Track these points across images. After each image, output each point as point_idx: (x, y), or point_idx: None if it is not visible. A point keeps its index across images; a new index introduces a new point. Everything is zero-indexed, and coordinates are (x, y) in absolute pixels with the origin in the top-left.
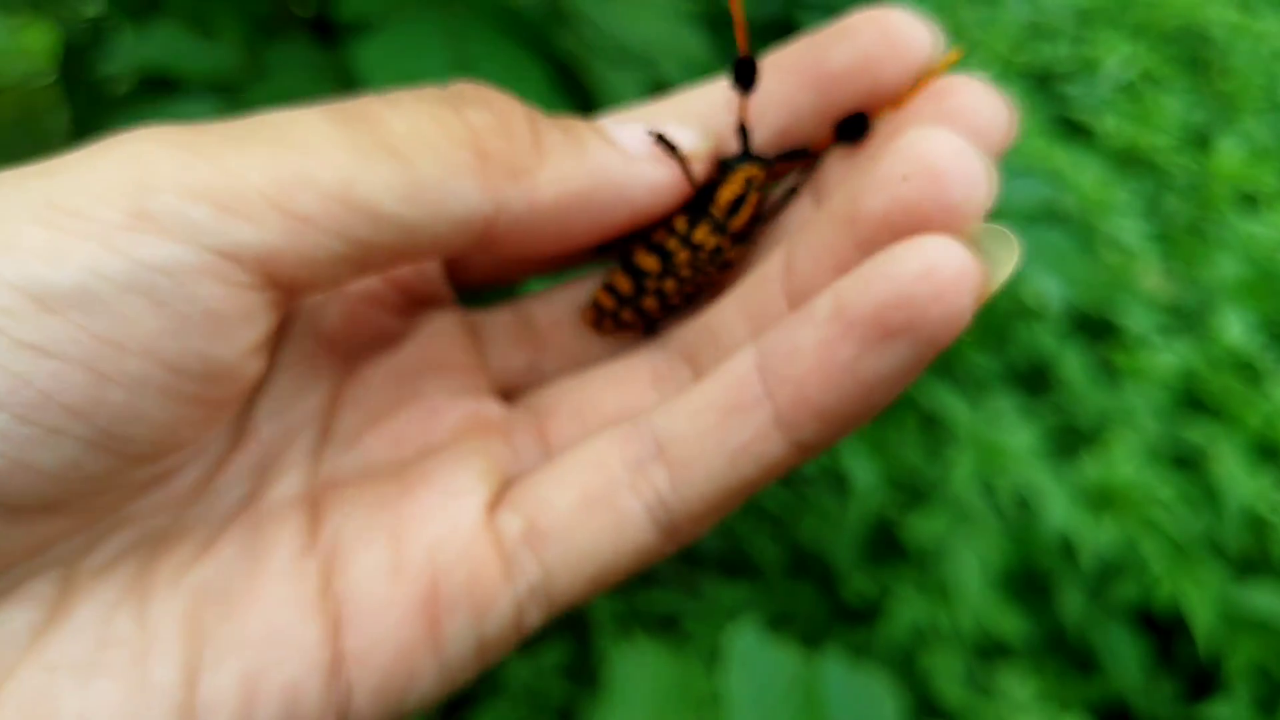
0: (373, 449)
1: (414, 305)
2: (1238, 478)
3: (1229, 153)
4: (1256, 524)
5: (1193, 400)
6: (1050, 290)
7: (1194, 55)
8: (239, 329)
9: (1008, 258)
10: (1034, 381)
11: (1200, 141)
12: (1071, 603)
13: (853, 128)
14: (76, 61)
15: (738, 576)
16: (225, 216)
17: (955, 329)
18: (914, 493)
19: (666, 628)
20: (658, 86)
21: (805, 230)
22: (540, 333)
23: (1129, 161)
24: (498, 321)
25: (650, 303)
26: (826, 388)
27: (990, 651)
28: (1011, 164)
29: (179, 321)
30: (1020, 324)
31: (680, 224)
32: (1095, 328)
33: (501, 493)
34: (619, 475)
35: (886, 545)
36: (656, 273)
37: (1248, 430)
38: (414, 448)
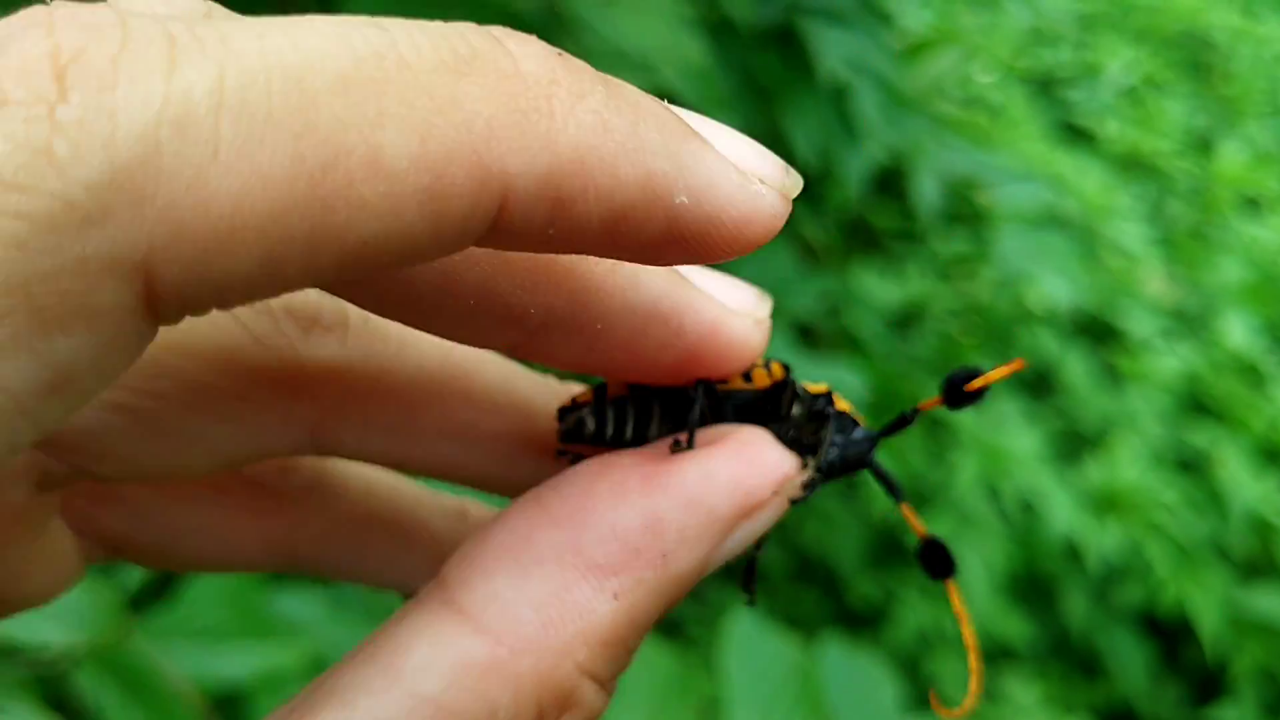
0: None
1: None
2: (1242, 481)
3: (1231, 157)
4: (1261, 527)
5: (1196, 404)
6: (1058, 292)
7: (1196, 60)
8: None
9: None
10: (1037, 386)
11: (1202, 146)
12: (1076, 606)
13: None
14: None
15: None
16: None
17: None
18: (918, 497)
19: (669, 632)
20: (658, 92)
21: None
22: None
23: (1131, 166)
24: None
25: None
26: None
27: (995, 655)
28: (1014, 169)
29: None
30: (1023, 328)
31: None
32: (1098, 332)
33: None
34: None
35: (890, 550)
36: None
37: (1251, 433)
38: None
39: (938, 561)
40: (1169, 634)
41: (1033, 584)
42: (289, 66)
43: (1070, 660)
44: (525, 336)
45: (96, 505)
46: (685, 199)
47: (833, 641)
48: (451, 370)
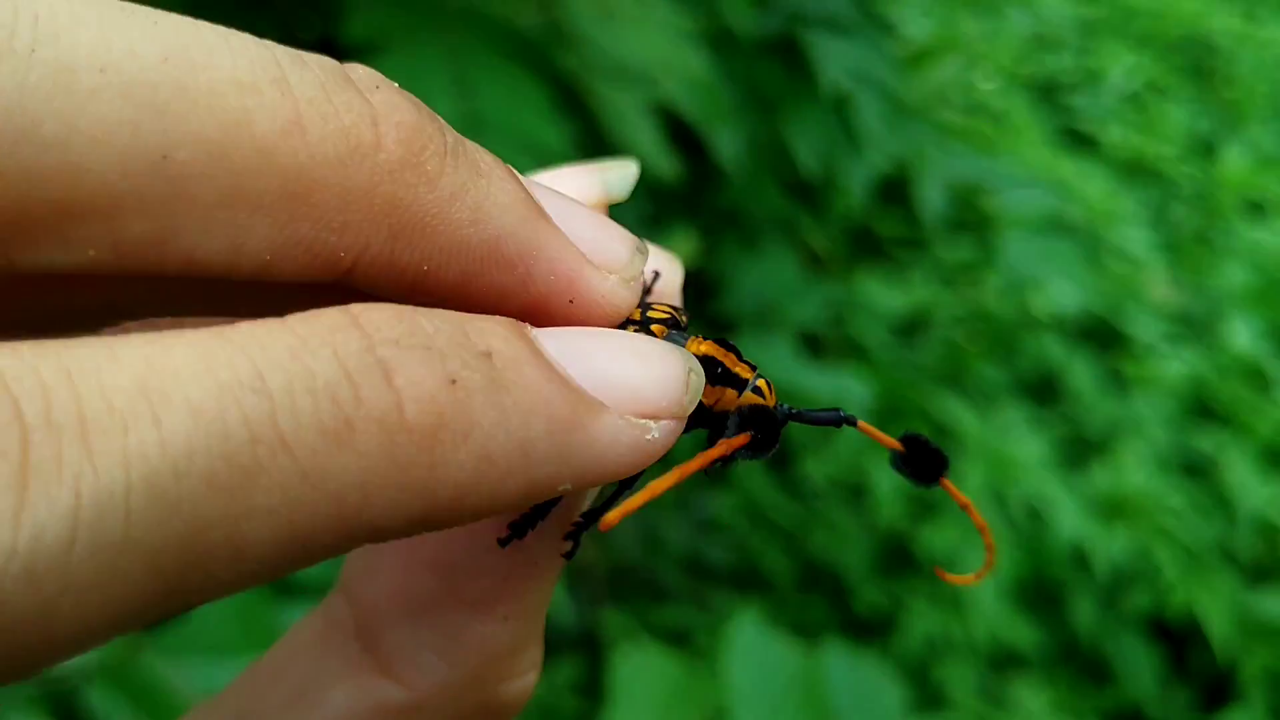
0: None
1: None
2: (1248, 485)
3: (1234, 161)
4: (1268, 530)
5: (1202, 408)
6: (1063, 297)
7: (1199, 64)
8: None
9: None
10: (1043, 392)
11: (1206, 150)
12: (1084, 612)
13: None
14: None
15: (749, 590)
16: None
17: None
18: (924, 505)
19: (678, 641)
20: (660, 106)
21: None
22: None
23: (1135, 171)
24: None
25: None
26: None
27: (1003, 662)
28: (1018, 175)
29: None
30: (1028, 335)
31: None
32: (1103, 337)
33: None
34: None
35: (898, 557)
36: None
37: (1258, 437)
38: None
39: (925, 461)
40: (1178, 639)
41: (1040, 590)
42: (151, 473)
43: (1079, 666)
44: (334, 276)
45: None
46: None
47: (836, 647)
48: None
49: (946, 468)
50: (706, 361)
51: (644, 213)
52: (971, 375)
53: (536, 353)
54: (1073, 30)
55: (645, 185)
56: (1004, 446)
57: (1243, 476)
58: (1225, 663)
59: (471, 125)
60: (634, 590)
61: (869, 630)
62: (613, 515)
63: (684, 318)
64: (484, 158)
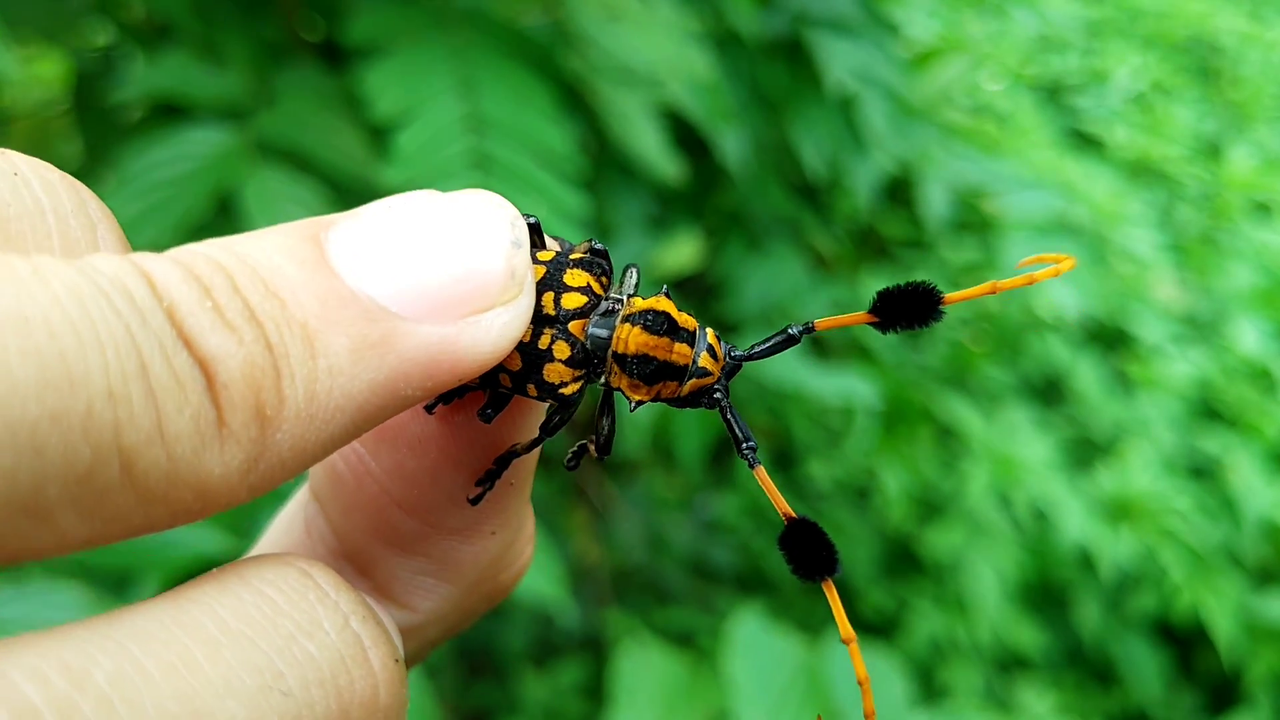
0: None
1: None
2: (1254, 487)
3: (1240, 162)
4: (1274, 533)
5: (1208, 410)
6: (1068, 299)
7: (1204, 65)
8: None
9: None
10: (1048, 393)
11: (1212, 151)
12: (1090, 615)
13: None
14: (89, 90)
15: (753, 591)
16: None
17: None
18: (929, 506)
19: (682, 643)
20: (665, 107)
21: None
22: None
23: (1140, 172)
24: None
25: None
26: None
27: (1009, 664)
28: (1023, 177)
29: None
30: (1033, 336)
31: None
32: (1109, 338)
33: None
34: None
35: (903, 559)
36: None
37: (1264, 439)
38: None
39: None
40: (1183, 641)
41: (1045, 592)
42: None
43: (1084, 668)
44: None
45: None
46: None
47: (838, 639)
48: None
49: (936, 295)
50: (649, 314)
51: (649, 214)
52: (977, 376)
53: (329, 277)
54: (1078, 31)
55: (650, 187)
56: (1009, 448)
57: (1249, 479)
58: (1231, 666)
59: (475, 126)
60: (638, 592)
61: (874, 632)
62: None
63: (602, 283)
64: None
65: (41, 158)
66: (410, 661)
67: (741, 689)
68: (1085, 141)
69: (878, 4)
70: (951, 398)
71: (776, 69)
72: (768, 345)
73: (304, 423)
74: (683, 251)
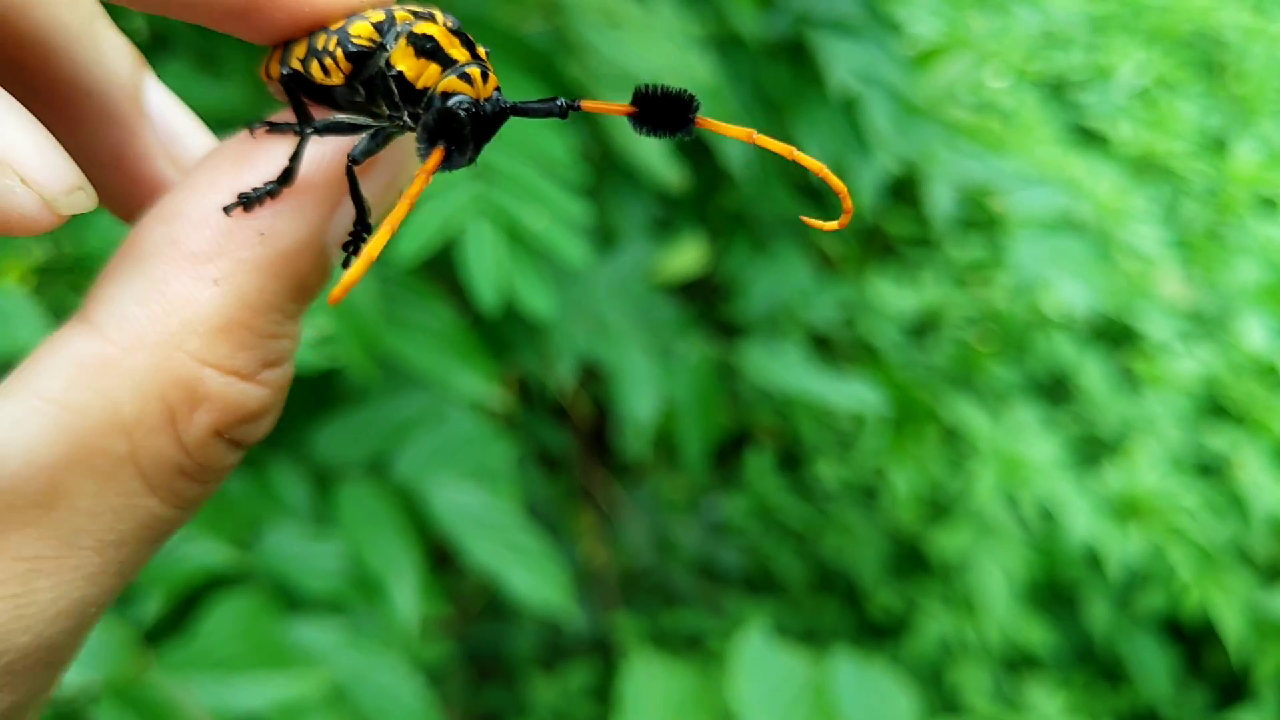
0: None
1: None
2: (1262, 484)
3: (1246, 157)
4: None
5: (1215, 407)
6: (1074, 296)
7: (1208, 59)
8: None
9: None
10: (1054, 392)
11: (1217, 146)
12: (1098, 613)
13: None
14: None
15: (761, 594)
16: None
17: None
18: (937, 506)
19: (691, 646)
20: None
21: None
22: None
23: (1145, 168)
24: None
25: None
26: None
27: (1018, 664)
28: (1028, 174)
29: None
30: (1039, 334)
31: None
32: (1115, 336)
33: None
34: None
35: (911, 560)
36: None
37: (1272, 436)
38: None
39: (663, 110)
40: (1192, 639)
41: (1054, 592)
42: None
43: (1093, 667)
44: None
45: None
46: None
47: (845, 655)
48: None
49: (693, 107)
50: (421, 37)
51: (653, 218)
52: (983, 375)
53: None
54: (1082, 26)
55: (653, 191)
56: (1016, 447)
57: (1257, 476)
58: (1240, 664)
59: None
60: (647, 595)
61: (882, 633)
62: (339, 289)
63: (410, 10)
64: None
65: None
66: None
67: (748, 705)
68: (1089, 138)
69: (880, 4)
70: (958, 398)
71: (779, 70)
72: (532, 105)
73: None
74: (687, 255)
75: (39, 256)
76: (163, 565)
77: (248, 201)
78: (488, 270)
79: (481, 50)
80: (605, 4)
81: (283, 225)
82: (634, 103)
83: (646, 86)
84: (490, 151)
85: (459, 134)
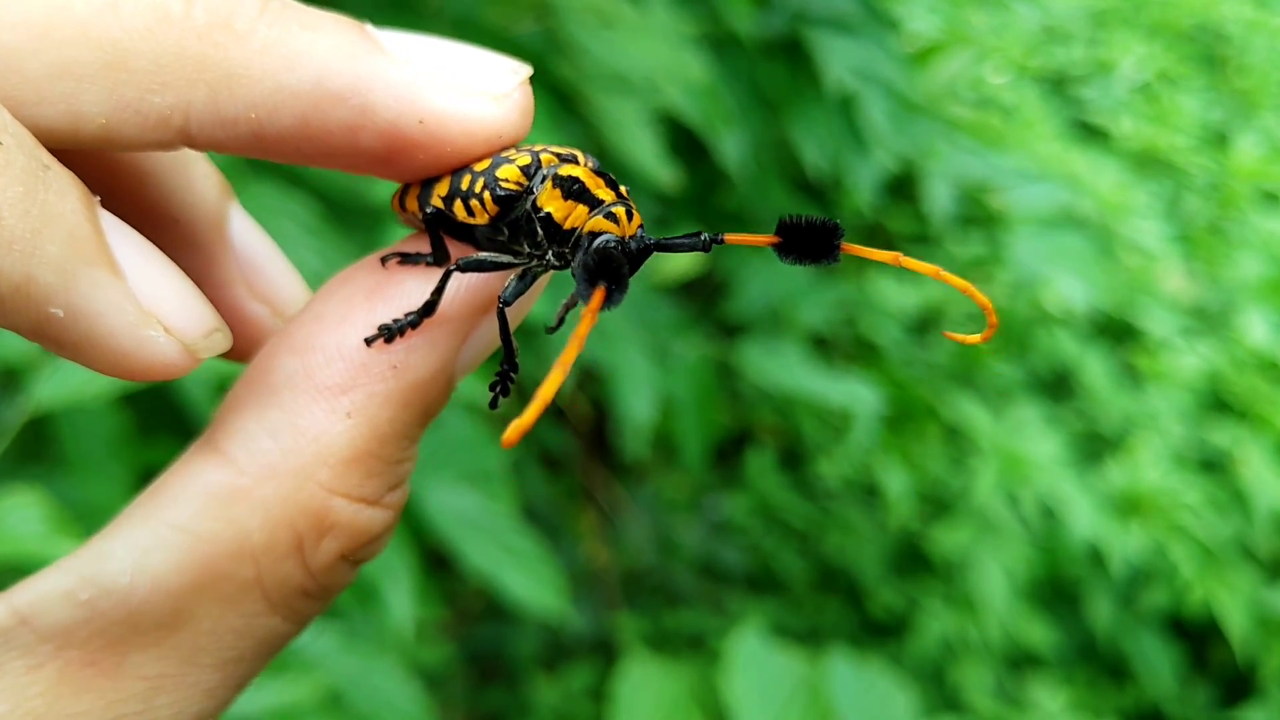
0: None
1: None
2: (1266, 480)
3: (1248, 151)
4: None
5: (1218, 402)
6: (1075, 293)
7: (1210, 53)
8: None
9: None
10: (1056, 388)
11: (1218, 140)
12: (1101, 611)
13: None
14: None
15: (763, 592)
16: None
17: None
18: (938, 504)
19: (692, 646)
20: (661, 113)
21: None
22: None
23: (1147, 163)
24: None
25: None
26: None
27: (1020, 662)
28: (1028, 170)
29: None
30: (1041, 330)
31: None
32: (1117, 331)
33: None
34: None
35: (912, 558)
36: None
37: (1274, 431)
38: None
39: (808, 240)
40: (1196, 636)
41: (1056, 589)
42: None
43: (1097, 665)
44: (171, 136)
45: None
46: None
47: (841, 654)
48: None
49: (837, 234)
50: (568, 179)
51: (650, 217)
52: (984, 372)
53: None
54: (1083, 21)
55: (650, 190)
56: (1017, 444)
57: (1259, 471)
58: (1245, 660)
59: None
60: (649, 594)
61: (884, 632)
62: (515, 432)
63: (553, 152)
64: (312, 16)
65: None
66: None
67: (741, 706)
68: (1091, 133)
69: (878, 1)
70: (958, 395)
71: (775, 69)
72: (676, 240)
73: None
74: (686, 256)
75: None
76: None
77: (389, 333)
78: None
79: (624, 189)
80: (597, 4)
81: (416, 358)
82: (778, 233)
83: (790, 217)
84: None
85: (618, 273)
